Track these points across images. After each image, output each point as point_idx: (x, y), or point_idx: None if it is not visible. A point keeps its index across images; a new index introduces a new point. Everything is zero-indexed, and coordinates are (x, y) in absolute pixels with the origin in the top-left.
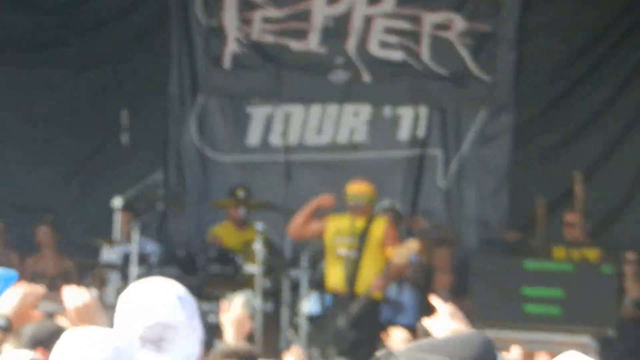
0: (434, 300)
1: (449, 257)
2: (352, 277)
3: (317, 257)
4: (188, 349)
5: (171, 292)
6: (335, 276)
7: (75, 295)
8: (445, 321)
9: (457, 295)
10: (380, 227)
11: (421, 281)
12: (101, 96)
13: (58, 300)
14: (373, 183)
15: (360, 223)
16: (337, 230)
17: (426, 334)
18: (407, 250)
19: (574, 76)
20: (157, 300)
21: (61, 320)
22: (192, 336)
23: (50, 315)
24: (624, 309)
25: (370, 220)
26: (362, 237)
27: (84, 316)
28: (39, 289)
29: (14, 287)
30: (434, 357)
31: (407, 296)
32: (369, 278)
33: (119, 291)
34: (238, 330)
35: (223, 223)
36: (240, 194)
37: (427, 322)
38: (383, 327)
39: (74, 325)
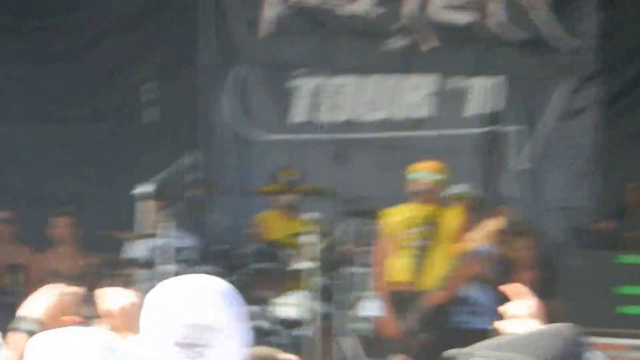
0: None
1: (531, 250)
2: (419, 269)
3: None
4: (232, 356)
5: (213, 289)
6: (398, 269)
7: (118, 296)
8: (523, 322)
9: (541, 295)
10: (457, 218)
11: (498, 279)
12: (122, 68)
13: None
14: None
15: (427, 210)
16: (401, 222)
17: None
18: (490, 229)
19: None
20: (196, 299)
21: (100, 326)
22: (236, 340)
23: (88, 320)
24: None
25: (440, 207)
26: (432, 226)
27: (129, 320)
28: (78, 289)
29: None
30: (511, 354)
31: (482, 297)
32: (439, 273)
33: (146, 292)
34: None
35: (270, 211)
36: (288, 176)
37: (502, 324)
38: (457, 331)
39: (116, 331)
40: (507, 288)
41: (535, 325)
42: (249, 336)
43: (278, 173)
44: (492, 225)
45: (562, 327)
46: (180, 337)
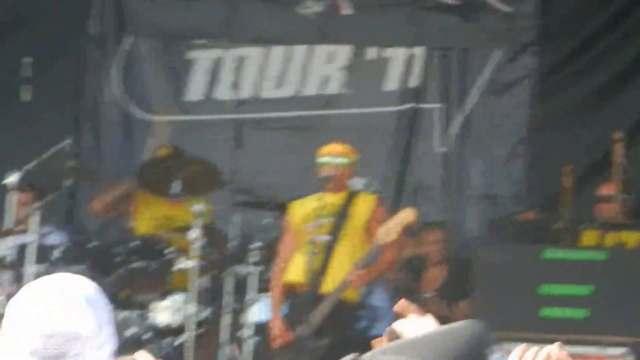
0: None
1: (440, 244)
2: (319, 269)
3: (272, 250)
4: None
5: (76, 293)
6: (295, 268)
7: None
8: (420, 322)
9: (451, 294)
10: (367, 206)
11: (403, 278)
12: None
13: None
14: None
15: (336, 199)
16: (306, 214)
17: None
18: (399, 224)
19: (616, 8)
20: (57, 304)
21: None
22: (102, 349)
23: None
24: None
25: (351, 195)
26: (339, 217)
27: None
28: None
29: None
30: (400, 358)
31: (384, 300)
32: (342, 274)
33: (11, 296)
34: None
35: (144, 192)
36: (167, 155)
37: (398, 325)
38: (356, 338)
39: None
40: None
41: (433, 325)
42: (114, 344)
43: (155, 152)
44: (400, 219)
45: (465, 326)
46: (38, 348)
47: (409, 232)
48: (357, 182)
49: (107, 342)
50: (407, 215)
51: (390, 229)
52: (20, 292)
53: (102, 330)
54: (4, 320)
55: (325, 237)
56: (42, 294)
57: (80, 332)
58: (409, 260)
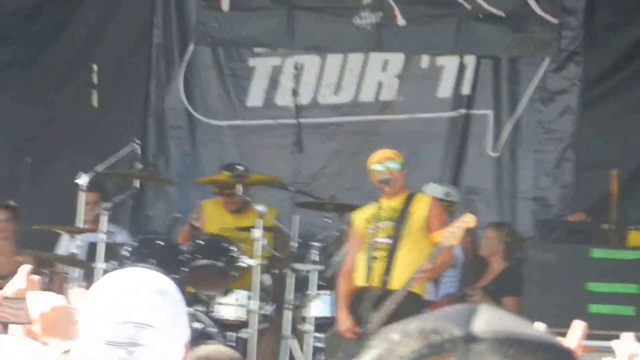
0: None
1: (499, 243)
2: (385, 270)
3: (332, 249)
4: (166, 355)
5: (150, 284)
6: (359, 270)
7: (43, 300)
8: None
9: (505, 290)
10: (423, 206)
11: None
12: (64, 46)
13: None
14: (406, 152)
15: (395, 203)
16: (369, 217)
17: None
18: (460, 228)
19: None
20: (132, 295)
21: (19, 333)
22: (174, 340)
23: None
24: None
25: (409, 197)
26: (399, 221)
27: (54, 326)
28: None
29: None
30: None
31: (429, 292)
32: (406, 272)
33: (81, 292)
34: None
35: (213, 200)
36: (235, 166)
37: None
38: None
39: (41, 338)
40: None
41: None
42: (187, 335)
43: (225, 167)
44: (462, 224)
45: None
46: (111, 336)
47: (469, 234)
48: (434, 187)
49: (179, 333)
50: (469, 220)
51: (453, 233)
52: (97, 283)
53: (175, 321)
54: (81, 309)
55: (387, 240)
56: (119, 285)
57: (152, 322)
58: (469, 264)
